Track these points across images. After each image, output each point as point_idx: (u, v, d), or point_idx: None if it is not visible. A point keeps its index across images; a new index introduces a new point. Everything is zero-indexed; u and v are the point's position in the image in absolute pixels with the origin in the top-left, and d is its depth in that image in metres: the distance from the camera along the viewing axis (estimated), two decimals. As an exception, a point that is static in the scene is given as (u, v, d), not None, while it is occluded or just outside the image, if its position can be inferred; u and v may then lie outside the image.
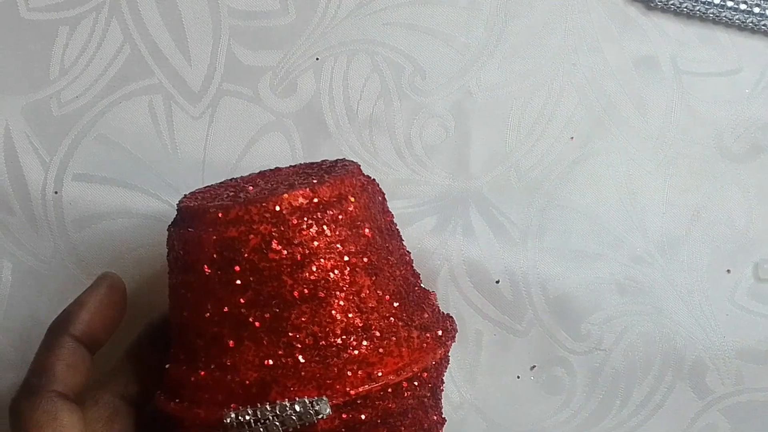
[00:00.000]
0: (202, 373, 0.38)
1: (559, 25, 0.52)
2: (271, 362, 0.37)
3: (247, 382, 0.37)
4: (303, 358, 0.37)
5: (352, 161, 0.43)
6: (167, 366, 0.41)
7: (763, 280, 0.52)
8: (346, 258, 0.38)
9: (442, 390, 0.43)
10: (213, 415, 0.38)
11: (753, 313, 0.51)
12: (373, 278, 0.38)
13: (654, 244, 0.51)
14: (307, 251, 0.37)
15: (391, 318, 0.39)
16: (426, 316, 0.41)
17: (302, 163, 0.45)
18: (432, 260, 0.51)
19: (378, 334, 0.38)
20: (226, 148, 0.51)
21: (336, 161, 0.43)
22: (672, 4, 0.51)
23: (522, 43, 0.52)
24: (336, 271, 0.37)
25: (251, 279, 0.37)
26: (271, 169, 0.45)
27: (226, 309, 0.37)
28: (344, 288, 0.38)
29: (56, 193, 0.50)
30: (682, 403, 0.51)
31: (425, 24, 0.51)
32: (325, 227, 0.37)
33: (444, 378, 0.43)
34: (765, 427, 0.52)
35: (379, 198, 0.42)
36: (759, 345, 0.51)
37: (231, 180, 0.44)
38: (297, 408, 0.36)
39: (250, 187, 0.41)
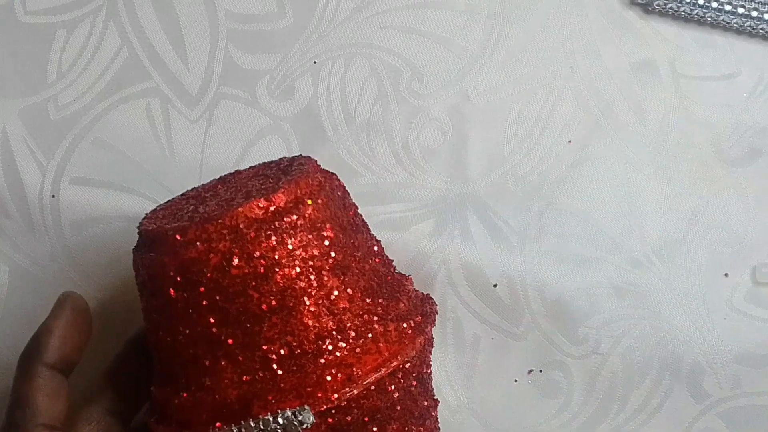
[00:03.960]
0: (184, 394, 0.38)
1: (557, 28, 0.52)
2: (248, 378, 0.37)
3: (228, 399, 0.37)
4: (280, 369, 0.37)
5: (309, 157, 0.42)
6: (152, 388, 0.41)
7: (761, 284, 0.52)
8: (310, 263, 0.37)
9: (430, 374, 0.43)
10: None
11: (751, 317, 0.51)
12: (342, 278, 0.38)
13: (652, 247, 0.51)
14: (269, 263, 0.36)
15: (365, 315, 0.38)
16: (402, 305, 0.40)
17: (261, 163, 0.44)
18: (429, 264, 0.50)
19: (353, 333, 0.38)
20: (223, 151, 0.51)
21: (293, 158, 0.42)
22: (670, 8, 0.51)
23: (520, 46, 0.52)
24: (302, 278, 0.37)
25: (217, 298, 0.37)
26: (231, 173, 0.44)
27: (197, 330, 0.37)
28: (312, 293, 0.37)
29: (53, 196, 0.50)
30: (680, 407, 0.51)
31: (423, 28, 0.51)
32: (284, 235, 0.37)
33: (431, 362, 0.42)
34: None
35: (339, 194, 0.41)
36: (757, 349, 0.51)
37: (192, 190, 0.44)
38: (280, 420, 0.36)
39: (210, 198, 0.40)
